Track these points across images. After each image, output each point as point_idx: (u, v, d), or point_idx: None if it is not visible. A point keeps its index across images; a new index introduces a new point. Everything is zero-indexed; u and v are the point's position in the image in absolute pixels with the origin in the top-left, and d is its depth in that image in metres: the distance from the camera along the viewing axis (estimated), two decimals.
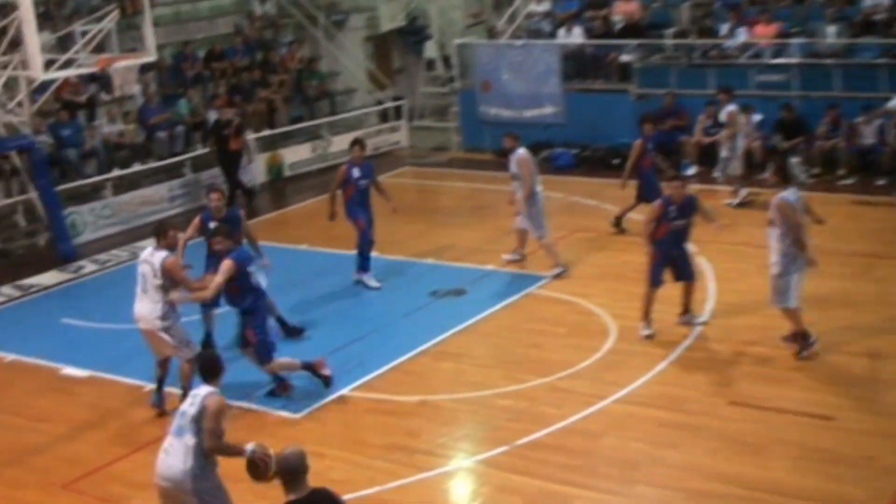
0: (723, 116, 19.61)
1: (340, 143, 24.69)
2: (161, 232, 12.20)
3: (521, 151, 16.16)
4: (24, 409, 13.10)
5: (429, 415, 12.15)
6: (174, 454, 8.56)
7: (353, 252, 16.34)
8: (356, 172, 16.07)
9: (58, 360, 14.35)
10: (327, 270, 17.03)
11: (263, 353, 12.38)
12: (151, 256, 12.11)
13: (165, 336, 12.11)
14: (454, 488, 10.79)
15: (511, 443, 11.27)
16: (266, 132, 24.15)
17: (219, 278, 12.01)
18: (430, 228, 19.34)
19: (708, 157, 20.77)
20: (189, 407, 8.66)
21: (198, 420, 8.51)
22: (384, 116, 26.96)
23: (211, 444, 8.45)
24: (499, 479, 10.71)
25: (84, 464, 11.56)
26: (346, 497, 7.73)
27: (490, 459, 11.07)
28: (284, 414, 12.28)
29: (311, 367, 12.74)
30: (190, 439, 8.52)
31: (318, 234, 18.39)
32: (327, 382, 12.73)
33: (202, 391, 8.68)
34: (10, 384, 13.92)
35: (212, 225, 13.69)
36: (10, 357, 14.62)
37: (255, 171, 22.96)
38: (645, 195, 17.36)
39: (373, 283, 16.21)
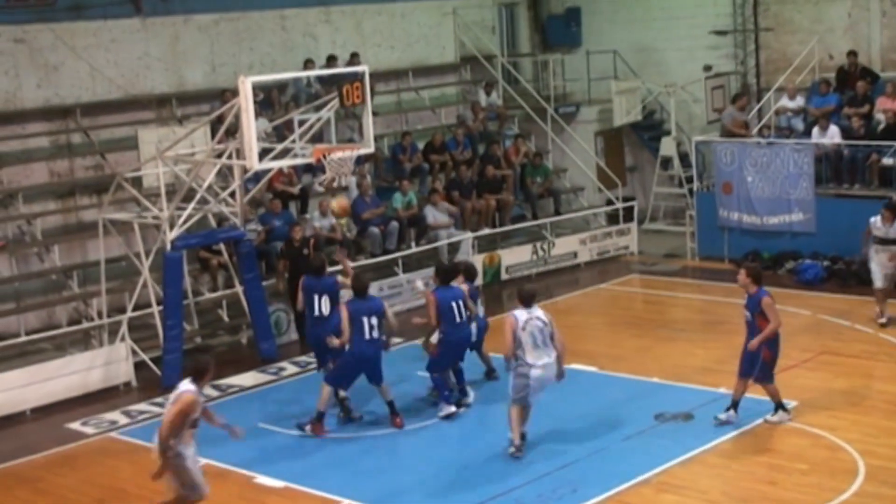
0: None
1: (563, 245, 24.94)
2: None
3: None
4: None
5: None
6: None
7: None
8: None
9: (252, 468, 14.75)
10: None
11: None
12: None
13: None
14: None
15: None
16: (485, 231, 24.47)
17: None
18: (657, 343, 19.16)
19: None
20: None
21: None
22: (613, 218, 26.92)
23: None
24: None
25: None
26: None
27: None
28: None
29: None
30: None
31: None
32: None
33: None
34: None
35: None
36: (203, 461, 15.01)
37: None
38: None
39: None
